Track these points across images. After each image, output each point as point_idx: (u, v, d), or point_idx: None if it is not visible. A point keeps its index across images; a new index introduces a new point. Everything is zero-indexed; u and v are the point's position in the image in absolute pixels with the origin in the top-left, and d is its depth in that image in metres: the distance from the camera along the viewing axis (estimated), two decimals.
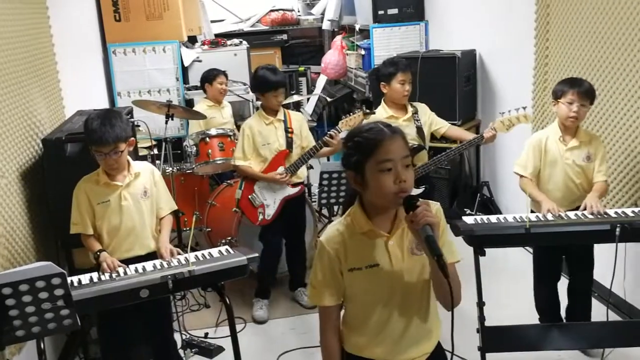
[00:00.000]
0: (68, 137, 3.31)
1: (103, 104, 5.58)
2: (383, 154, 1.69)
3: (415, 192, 1.79)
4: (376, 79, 3.98)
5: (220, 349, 3.68)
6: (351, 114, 3.87)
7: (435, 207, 1.80)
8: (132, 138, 2.91)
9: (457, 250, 1.83)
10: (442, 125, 4.03)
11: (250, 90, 4.11)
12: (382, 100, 3.96)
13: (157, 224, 3.06)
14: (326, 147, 3.86)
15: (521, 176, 3.26)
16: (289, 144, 3.98)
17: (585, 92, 3.06)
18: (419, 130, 3.92)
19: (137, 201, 2.94)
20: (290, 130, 3.99)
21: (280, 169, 3.92)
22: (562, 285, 3.45)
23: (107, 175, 2.89)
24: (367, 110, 3.80)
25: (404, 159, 1.71)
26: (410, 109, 3.94)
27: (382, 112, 3.87)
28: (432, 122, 4.02)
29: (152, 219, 3.02)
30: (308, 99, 6.31)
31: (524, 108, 3.56)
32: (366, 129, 1.77)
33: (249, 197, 3.95)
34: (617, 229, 2.75)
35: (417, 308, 1.83)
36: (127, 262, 2.78)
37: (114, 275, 2.64)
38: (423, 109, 4.03)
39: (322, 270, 1.84)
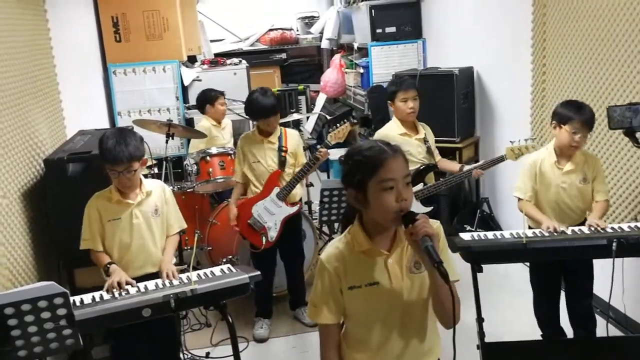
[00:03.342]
0: (70, 157, 3.33)
1: (104, 123, 5.61)
2: (386, 173, 1.71)
3: (423, 211, 1.82)
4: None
5: None
6: (338, 125, 3.90)
7: (436, 224, 1.82)
8: (145, 157, 2.95)
9: (456, 269, 1.84)
10: (436, 155, 4.08)
11: (246, 113, 4.11)
12: (394, 117, 3.99)
13: None
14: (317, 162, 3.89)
15: (520, 199, 3.26)
16: (282, 163, 3.99)
17: (590, 121, 3.01)
18: (429, 150, 3.96)
19: (148, 219, 2.97)
20: (284, 149, 4.00)
21: (276, 190, 3.94)
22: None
23: (119, 192, 2.92)
24: (354, 121, 3.84)
25: (405, 177, 1.74)
26: (422, 130, 3.98)
27: (395, 129, 3.90)
28: (433, 147, 4.05)
29: (163, 236, 3.05)
30: (307, 118, 6.35)
31: (533, 139, 3.59)
32: (367, 147, 1.79)
33: (249, 221, 3.96)
34: (614, 244, 2.76)
35: (417, 326, 1.84)
36: (139, 279, 2.80)
37: (116, 294, 2.64)
38: (429, 131, 4.07)
39: (322, 288, 1.86)
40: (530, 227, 3.12)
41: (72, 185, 3.26)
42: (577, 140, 3.03)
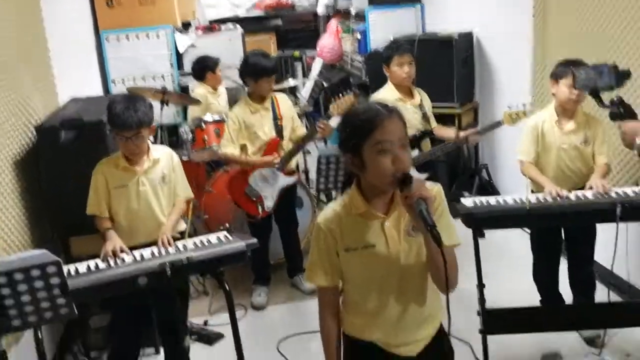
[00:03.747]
0: (62, 125, 3.27)
1: (97, 91, 5.53)
2: (380, 135, 1.66)
3: (420, 177, 1.77)
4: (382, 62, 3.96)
5: (220, 336, 3.67)
6: (341, 95, 3.82)
7: (436, 188, 1.78)
8: (154, 124, 2.89)
9: (457, 234, 1.80)
10: (433, 122, 4.00)
11: (240, 76, 4.00)
12: (389, 82, 3.91)
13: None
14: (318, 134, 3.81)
15: (523, 162, 3.22)
16: (279, 131, 3.92)
17: None
18: (424, 116, 3.89)
19: (155, 187, 2.93)
20: (279, 117, 3.93)
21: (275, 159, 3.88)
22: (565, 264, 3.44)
23: (126, 159, 2.87)
24: (358, 92, 3.76)
25: (402, 139, 1.69)
26: (418, 96, 3.90)
27: (390, 93, 3.81)
28: (429, 113, 3.98)
29: (171, 204, 3.01)
30: (304, 84, 6.27)
31: (532, 104, 3.54)
32: (362, 110, 1.75)
33: (245, 190, 3.90)
34: (618, 209, 2.72)
35: (415, 291, 1.81)
36: (147, 246, 2.76)
37: (111, 262, 2.60)
38: (426, 97, 3.99)
39: (318, 250, 1.84)
40: (532, 192, 3.08)
41: (64, 153, 3.19)
42: (575, 93, 2.97)
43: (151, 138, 4.48)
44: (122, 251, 2.70)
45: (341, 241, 1.78)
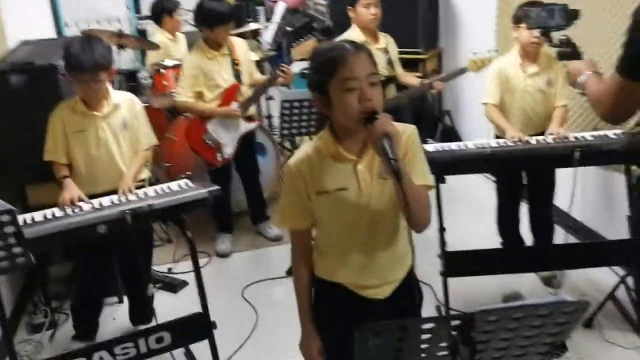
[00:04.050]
0: (12, 68, 3.12)
1: (49, 34, 5.28)
2: (346, 72, 1.61)
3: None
4: (346, 3, 3.85)
5: (184, 284, 3.67)
6: (302, 39, 3.74)
7: (410, 128, 1.75)
8: (113, 67, 2.77)
9: (430, 176, 1.78)
10: (398, 68, 3.95)
11: (194, 23, 3.87)
12: (354, 24, 3.80)
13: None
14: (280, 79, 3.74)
15: (487, 105, 3.23)
16: (237, 76, 3.82)
17: None
18: (389, 61, 3.84)
19: (116, 133, 2.83)
20: (237, 61, 3.82)
21: (234, 105, 3.80)
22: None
23: (85, 104, 2.76)
24: (321, 37, 3.68)
25: (370, 76, 1.64)
26: (382, 40, 3.83)
27: (355, 35, 3.70)
28: (395, 59, 3.92)
29: (132, 152, 2.91)
30: (266, 27, 6.13)
31: (496, 51, 3.51)
32: (329, 47, 1.69)
33: (203, 137, 3.82)
34: (577, 153, 2.77)
35: (386, 234, 1.80)
36: (108, 194, 2.69)
37: (69, 211, 2.53)
38: (392, 42, 3.92)
39: (288, 193, 1.81)
40: (496, 137, 3.10)
41: (15, 98, 3.06)
42: (536, 35, 2.96)
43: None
44: (80, 200, 2.62)
45: (312, 184, 1.75)
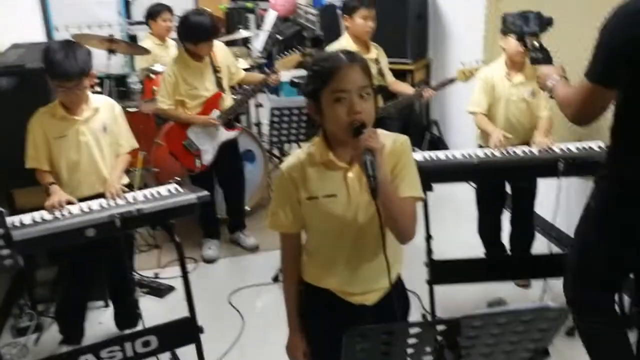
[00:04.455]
0: (2, 71, 3.12)
1: (39, 38, 5.28)
2: (338, 83, 1.64)
3: (384, 133, 1.76)
4: (341, 11, 3.88)
5: (170, 289, 3.67)
6: (287, 53, 3.77)
7: (402, 139, 1.77)
8: (93, 71, 2.76)
9: (419, 187, 1.79)
10: (389, 77, 3.99)
11: (178, 37, 3.84)
12: (346, 33, 3.84)
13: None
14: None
15: (475, 114, 3.27)
16: (219, 84, 3.82)
17: None
18: (380, 71, 3.88)
19: (97, 137, 2.83)
20: (218, 68, 3.82)
21: (215, 113, 3.81)
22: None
23: (64, 108, 2.76)
24: (305, 51, 3.73)
25: (362, 89, 1.66)
26: (374, 50, 3.87)
27: (346, 45, 3.70)
28: (386, 69, 3.97)
29: (113, 156, 2.92)
30: (257, 35, 6.17)
31: (484, 62, 3.57)
32: (325, 57, 1.72)
33: (184, 142, 3.83)
34: (561, 164, 2.82)
35: (373, 242, 1.80)
36: (91, 199, 2.68)
37: (57, 214, 2.53)
38: (382, 52, 3.97)
39: (279, 197, 1.83)
40: (481, 146, 3.14)
41: (5, 101, 3.06)
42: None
43: (98, 88, 4.38)
44: (69, 203, 2.62)
45: (303, 189, 1.77)
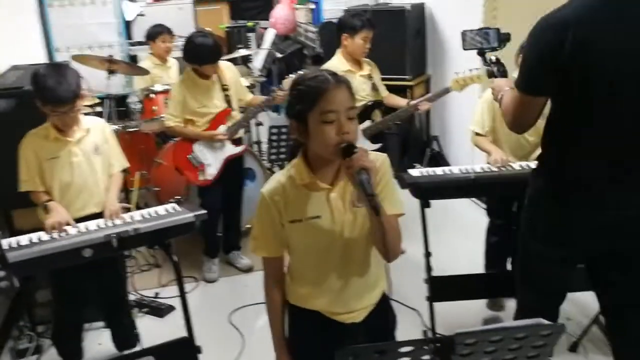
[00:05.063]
0: (1, 93, 3.14)
1: (40, 59, 5.32)
2: (326, 104, 1.64)
3: (371, 148, 1.77)
4: (338, 29, 3.88)
5: (170, 309, 3.66)
6: (298, 71, 3.79)
7: (381, 157, 1.78)
8: (84, 91, 2.76)
9: (401, 204, 1.80)
10: (383, 91, 4.00)
11: (184, 59, 3.87)
12: (338, 52, 3.85)
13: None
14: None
15: (477, 134, 3.26)
16: (228, 101, 3.86)
17: None
18: (374, 86, 3.89)
19: (89, 157, 2.83)
20: (226, 87, 3.86)
21: (222, 128, 3.83)
22: None
23: (57, 130, 2.76)
24: (312, 65, 3.74)
25: (349, 110, 1.66)
26: (367, 67, 3.88)
27: (339, 65, 3.73)
28: (379, 83, 3.98)
29: (106, 176, 2.92)
30: (257, 53, 6.20)
31: (477, 69, 3.57)
32: (311, 77, 1.71)
33: (188, 157, 3.85)
34: None
35: (359, 261, 1.82)
36: (82, 220, 2.67)
37: (55, 235, 2.53)
38: (375, 67, 3.98)
39: (261, 222, 1.82)
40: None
41: (3, 122, 3.07)
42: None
43: (99, 108, 4.39)
44: (67, 224, 2.61)
45: (285, 213, 1.77)
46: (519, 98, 2.10)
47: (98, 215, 2.77)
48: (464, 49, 2.99)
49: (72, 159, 2.79)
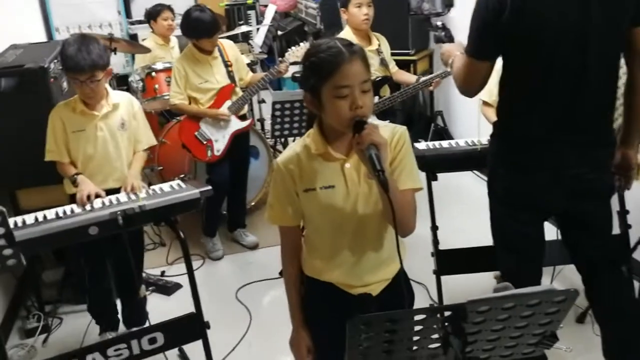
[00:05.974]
0: (1, 71, 3.11)
1: (40, 38, 5.28)
2: (340, 79, 1.60)
3: (381, 124, 1.74)
4: (339, 4, 3.85)
5: (177, 286, 3.66)
6: (299, 45, 3.75)
7: (400, 130, 1.75)
8: (110, 67, 2.78)
9: (419, 178, 1.77)
10: (393, 67, 3.95)
11: (182, 33, 3.87)
12: (347, 28, 3.79)
13: None
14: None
15: (485, 103, 3.23)
16: (232, 77, 3.85)
17: None
18: (382, 61, 3.83)
19: (114, 133, 2.85)
20: (229, 63, 3.85)
21: (227, 103, 3.81)
22: None
23: (84, 103, 2.78)
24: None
25: (363, 83, 1.63)
26: (375, 41, 3.82)
27: (348, 38, 3.69)
28: (388, 58, 3.93)
29: (130, 152, 2.93)
30: (257, 30, 6.14)
31: None
32: (325, 47, 1.66)
33: (195, 133, 3.83)
34: None
35: (373, 234, 1.80)
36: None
37: (59, 212, 2.52)
38: (384, 41, 3.92)
39: (277, 191, 1.81)
40: None
41: (5, 101, 3.04)
42: None
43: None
44: (97, 196, 2.64)
45: (300, 182, 1.75)
46: (466, 63, 2.16)
47: (117, 191, 2.78)
48: (409, 15, 3.06)
49: (97, 133, 2.81)
